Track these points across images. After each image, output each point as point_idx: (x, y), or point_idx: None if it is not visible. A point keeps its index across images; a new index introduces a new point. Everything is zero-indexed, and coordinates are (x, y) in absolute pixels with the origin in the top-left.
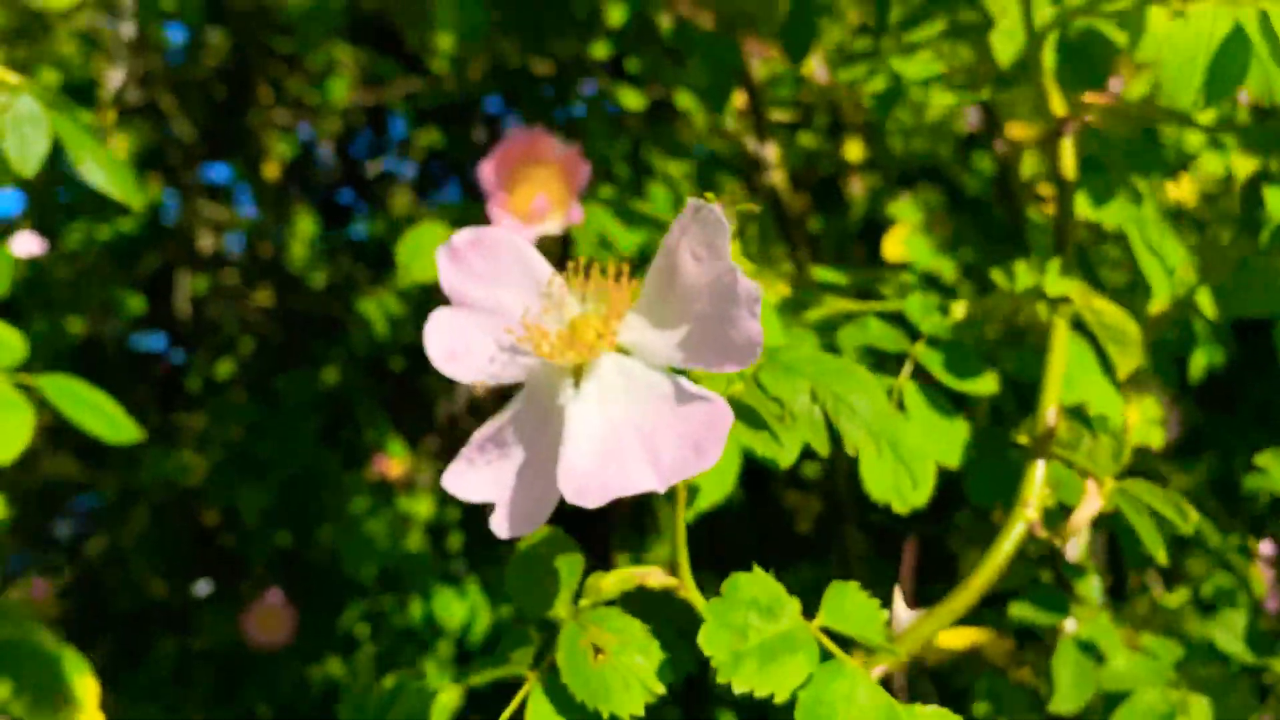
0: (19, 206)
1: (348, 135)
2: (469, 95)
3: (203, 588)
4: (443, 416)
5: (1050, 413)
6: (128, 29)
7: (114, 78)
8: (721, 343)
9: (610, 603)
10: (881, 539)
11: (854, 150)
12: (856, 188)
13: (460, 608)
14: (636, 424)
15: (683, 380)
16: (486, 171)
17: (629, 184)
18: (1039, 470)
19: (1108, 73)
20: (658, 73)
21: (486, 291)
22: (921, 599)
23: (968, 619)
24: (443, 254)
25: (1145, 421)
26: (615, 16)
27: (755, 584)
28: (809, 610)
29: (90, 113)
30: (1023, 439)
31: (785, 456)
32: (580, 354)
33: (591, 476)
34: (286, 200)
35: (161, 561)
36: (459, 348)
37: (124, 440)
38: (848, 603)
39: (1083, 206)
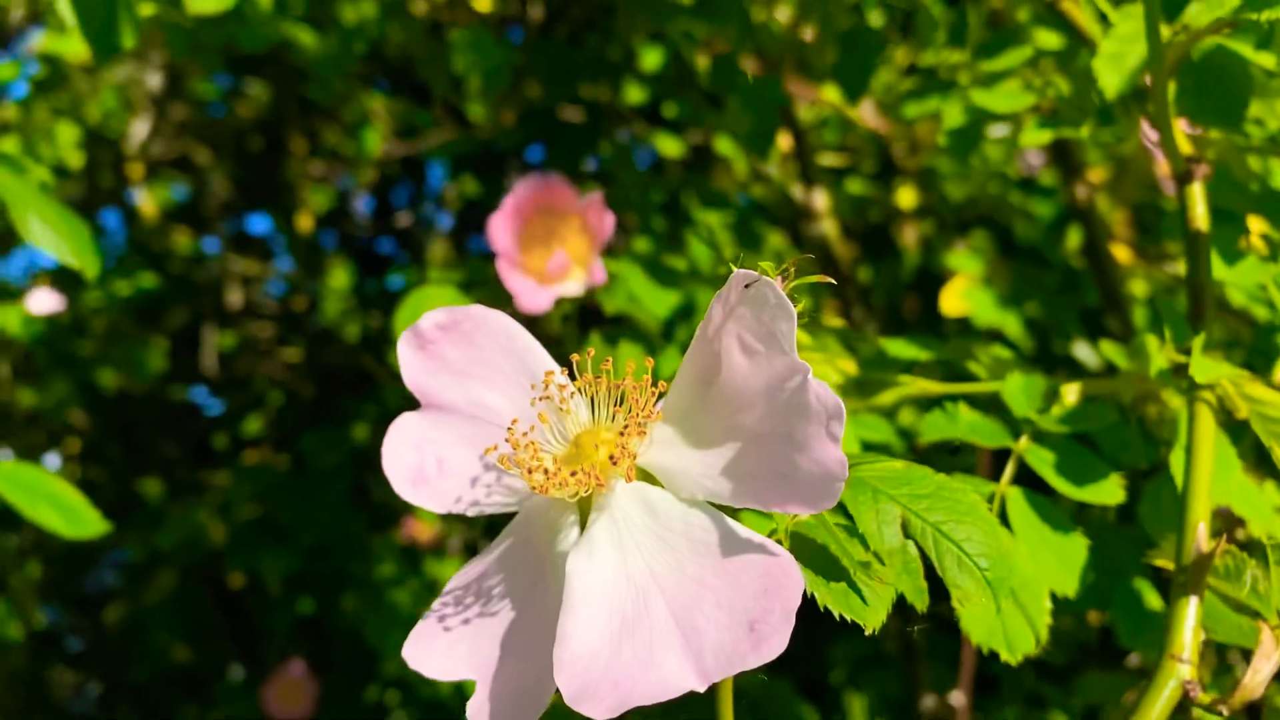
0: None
1: (385, 185)
2: (500, 143)
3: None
4: None
5: (1201, 532)
6: (154, 80)
7: (139, 130)
8: (785, 473)
9: None
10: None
11: (906, 196)
12: (909, 236)
13: None
14: (666, 587)
15: (731, 523)
16: (496, 226)
17: (665, 237)
18: (1191, 611)
19: (1246, 103)
20: (697, 117)
21: (465, 391)
22: (980, 683)
23: None
24: (407, 343)
25: (1271, 511)
26: (650, 60)
27: None
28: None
29: (42, 168)
30: (1162, 562)
31: (872, 617)
32: (585, 484)
33: (599, 668)
34: (320, 252)
35: (184, 628)
36: (428, 466)
37: (85, 535)
38: None
39: (1216, 265)
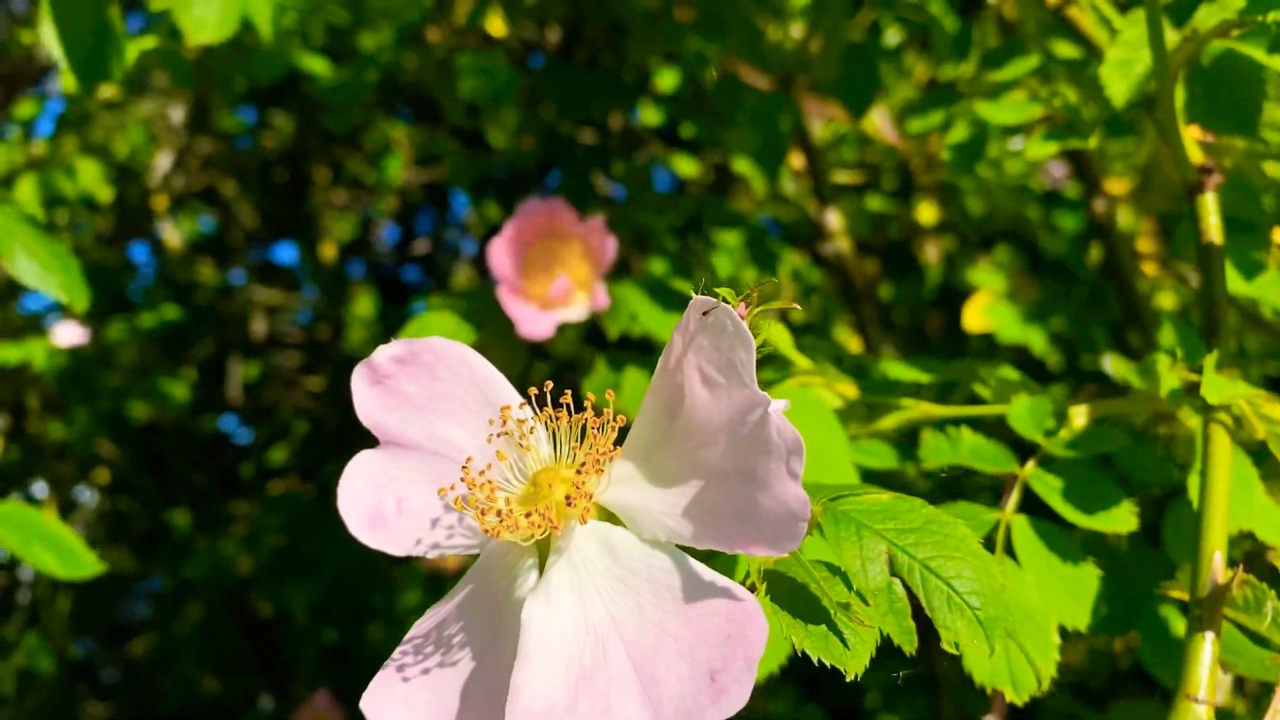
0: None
1: (408, 213)
2: (515, 166)
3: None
4: None
5: (1217, 563)
6: (176, 114)
7: (163, 163)
8: (747, 512)
9: None
10: None
11: (926, 212)
12: (930, 252)
13: None
14: (626, 634)
15: (694, 565)
16: (497, 251)
17: (677, 258)
18: (1207, 647)
19: (1260, 108)
20: (713, 137)
21: (427, 426)
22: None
23: None
24: (361, 377)
25: None
26: (666, 81)
27: None
28: None
29: (34, 204)
30: (1177, 593)
31: (853, 662)
32: (541, 526)
33: None
34: (344, 281)
35: (212, 659)
36: (387, 507)
37: (80, 575)
38: None
39: (1232, 279)
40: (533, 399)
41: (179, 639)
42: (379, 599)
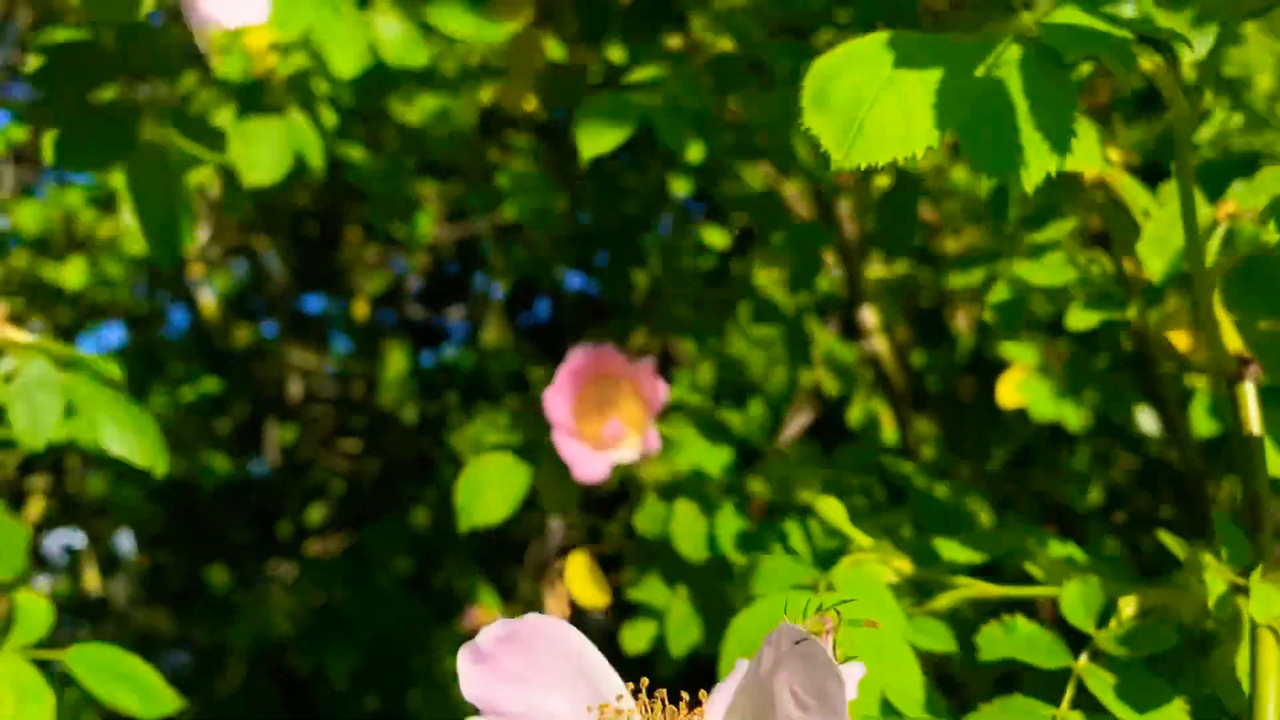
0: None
1: (439, 266)
2: (550, 262)
3: None
4: (533, 561)
5: None
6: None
7: (200, 235)
8: None
9: None
10: None
11: (958, 280)
12: (962, 320)
13: None
14: None
15: None
16: (551, 398)
17: (711, 349)
18: None
19: None
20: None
21: (526, 698)
22: None
23: None
24: (466, 659)
25: None
26: (694, 153)
27: None
28: None
29: (113, 365)
30: None
31: None
32: None
33: None
34: (376, 338)
35: None
36: None
37: (160, 714)
38: None
39: (1272, 459)
40: (629, 692)
41: (220, 700)
42: (418, 662)
